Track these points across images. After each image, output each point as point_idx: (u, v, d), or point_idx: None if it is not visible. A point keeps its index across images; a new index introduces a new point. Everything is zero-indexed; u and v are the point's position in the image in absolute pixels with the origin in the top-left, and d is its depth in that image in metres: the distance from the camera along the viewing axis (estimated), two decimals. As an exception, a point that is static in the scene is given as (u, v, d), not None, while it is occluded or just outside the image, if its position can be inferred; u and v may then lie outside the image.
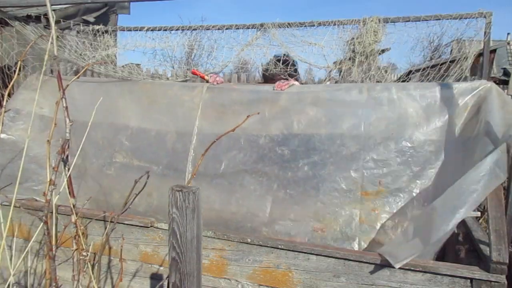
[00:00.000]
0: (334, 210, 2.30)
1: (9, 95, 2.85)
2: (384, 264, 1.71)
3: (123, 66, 3.44)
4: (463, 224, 2.27)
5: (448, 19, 2.52)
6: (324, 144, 2.37)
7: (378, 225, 2.25)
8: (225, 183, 2.49)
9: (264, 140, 2.48)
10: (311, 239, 2.30)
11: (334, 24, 2.68)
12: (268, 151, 2.46)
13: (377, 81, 2.64)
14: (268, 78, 2.93)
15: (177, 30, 3.06)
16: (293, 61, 2.85)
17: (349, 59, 2.67)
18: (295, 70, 2.86)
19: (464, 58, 2.48)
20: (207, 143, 2.16)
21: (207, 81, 2.91)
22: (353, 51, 2.62)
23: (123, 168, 2.75)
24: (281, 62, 2.77)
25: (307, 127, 2.43)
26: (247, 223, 2.40)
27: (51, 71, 4.17)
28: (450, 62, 2.58)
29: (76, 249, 1.35)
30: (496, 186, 1.67)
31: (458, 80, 2.50)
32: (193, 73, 3.03)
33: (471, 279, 1.62)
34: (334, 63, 2.86)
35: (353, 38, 2.63)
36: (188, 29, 3.03)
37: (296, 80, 2.96)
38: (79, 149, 1.48)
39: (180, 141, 2.67)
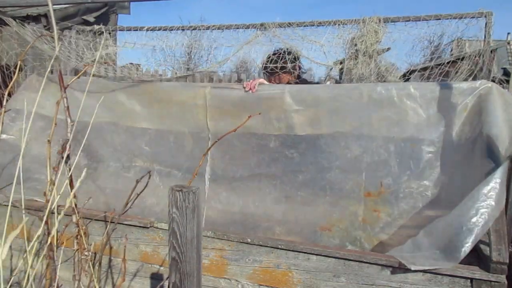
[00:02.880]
0: (340, 210, 2.37)
1: (9, 95, 2.85)
2: (384, 264, 1.71)
3: (122, 67, 3.44)
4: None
5: (448, 18, 2.52)
6: (329, 147, 2.43)
7: (380, 225, 2.27)
8: (242, 186, 2.62)
9: (274, 144, 2.54)
10: (319, 237, 2.37)
11: (334, 24, 2.68)
12: (279, 155, 2.54)
13: (383, 81, 2.63)
14: (269, 75, 2.85)
15: (177, 30, 3.06)
16: (295, 56, 2.76)
17: (351, 58, 2.67)
18: (295, 66, 2.76)
19: (479, 55, 2.48)
20: (220, 145, 2.25)
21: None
22: (356, 50, 2.62)
23: (143, 172, 2.81)
24: (276, 56, 2.72)
25: (311, 129, 2.45)
26: (264, 223, 2.51)
27: (51, 71, 4.17)
28: (454, 61, 2.58)
29: (78, 249, 1.35)
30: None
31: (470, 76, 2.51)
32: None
33: (471, 279, 1.62)
34: (334, 62, 2.85)
35: (354, 38, 2.62)
36: (188, 29, 3.03)
37: (299, 76, 2.85)
38: (81, 150, 1.48)
39: (196, 146, 2.75)
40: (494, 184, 1.67)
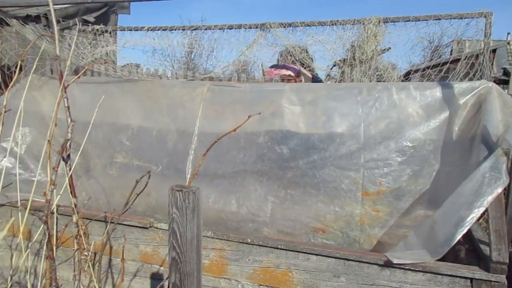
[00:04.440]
0: (335, 210, 2.32)
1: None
2: (384, 264, 1.71)
3: (123, 66, 3.44)
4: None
5: (448, 19, 2.52)
6: (323, 142, 2.38)
7: (379, 225, 2.26)
8: (225, 183, 2.51)
9: (263, 139, 2.49)
10: (311, 239, 2.33)
11: (334, 24, 2.69)
12: (267, 150, 2.47)
13: (379, 81, 2.64)
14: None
15: (177, 30, 3.07)
16: (311, 58, 2.81)
17: (350, 65, 2.68)
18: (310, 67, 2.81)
19: (476, 55, 2.49)
20: (208, 143, 2.20)
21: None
22: (354, 58, 2.63)
23: (124, 168, 2.77)
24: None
25: (307, 126, 2.44)
26: (248, 223, 2.43)
27: (51, 71, 4.17)
28: (454, 61, 2.59)
29: (78, 249, 1.35)
30: (501, 189, 1.66)
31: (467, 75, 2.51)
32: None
33: (471, 279, 1.62)
34: (334, 62, 2.86)
35: (353, 46, 2.63)
36: (188, 29, 3.03)
37: (302, 72, 2.87)
38: (81, 148, 1.48)
39: (181, 141, 2.68)
40: (475, 182, 1.66)
